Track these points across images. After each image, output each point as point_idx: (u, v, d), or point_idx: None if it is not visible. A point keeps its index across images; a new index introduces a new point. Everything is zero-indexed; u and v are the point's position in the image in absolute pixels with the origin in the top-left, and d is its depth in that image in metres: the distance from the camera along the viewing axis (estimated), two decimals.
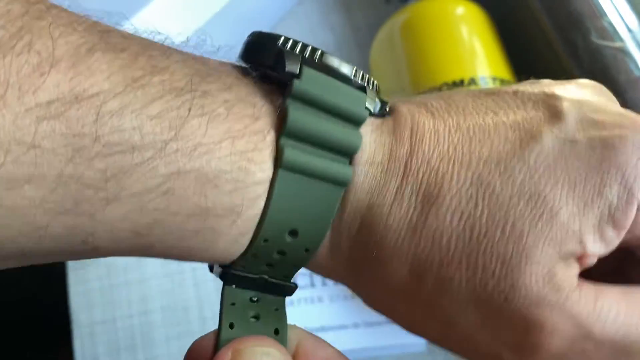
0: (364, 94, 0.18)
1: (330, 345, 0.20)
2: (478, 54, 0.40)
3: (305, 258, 0.19)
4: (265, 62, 0.18)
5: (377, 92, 0.19)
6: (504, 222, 0.17)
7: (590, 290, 0.17)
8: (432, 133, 0.18)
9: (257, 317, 0.19)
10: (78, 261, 0.42)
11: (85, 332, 0.41)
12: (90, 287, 0.43)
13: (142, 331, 0.40)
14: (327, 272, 0.20)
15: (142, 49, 0.16)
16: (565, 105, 0.19)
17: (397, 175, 0.18)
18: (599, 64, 0.36)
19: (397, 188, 0.18)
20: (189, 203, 0.16)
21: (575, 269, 0.17)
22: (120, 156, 0.15)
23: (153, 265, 0.43)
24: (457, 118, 0.19)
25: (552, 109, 0.19)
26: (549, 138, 0.18)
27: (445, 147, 0.18)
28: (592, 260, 0.18)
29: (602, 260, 0.18)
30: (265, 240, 0.18)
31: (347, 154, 0.18)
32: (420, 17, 0.42)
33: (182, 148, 0.16)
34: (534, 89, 0.19)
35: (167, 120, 0.16)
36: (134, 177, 0.15)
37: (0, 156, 0.14)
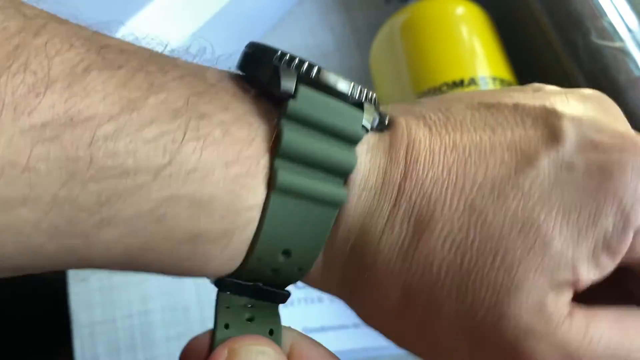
0: (360, 113, 0.18)
1: (323, 346, 0.20)
2: (478, 54, 0.40)
3: (298, 275, 0.19)
4: (261, 79, 0.18)
5: (376, 105, 0.19)
6: (495, 251, 0.17)
7: (582, 317, 0.17)
8: (428, 153, 0.18)
9: (251, 319, 0.19)
10: None
11: (85, 332, 0.41)
12: (90, 287, 0.43)
13: (142, 331, 0.40)
14: (321, 287, 0.20)
15: (140, 64, 0.16)
16: (565, 124, 0.18)
17: (390, 198, 0.18)
18: (599, 64, 0.36)
19: (390, 212, 0.18)
20: (181, 228, 0.16)
21: (567, 296, 0.17)
22: (114, 180, 0.15)
23: None
24: (454, 135, 0.18)
25: (551, 128, 0.18)
26: (546, 163, 0.17)
27: (440, 169, 0.18)
28: (586, 285, 0.17)
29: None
30: (259, 259, 0.18)
31: (342, 174, 0.18)
32: (420, 17, 0.42)
33: (175, 173, 0.16)
34: (535, 102, 0.19)
35: (162, 144, 0.15)
36: (127, 202, 0.15)
37: None
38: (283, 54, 0.18)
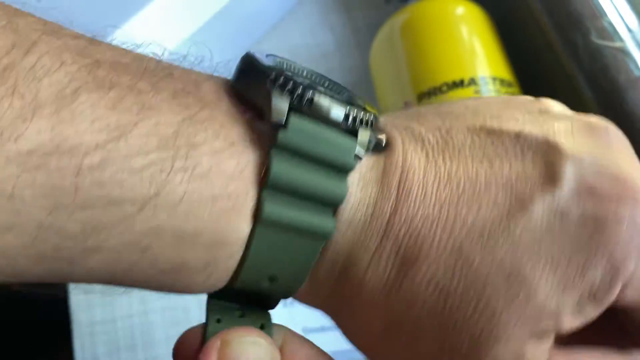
0: (353, 141, 0.17)
1: (314, 344, 0.20)
2: (478, 54, 0.40)
3: (284, 296, 0.19)
4: (255, 102, 0.17)
5: (374, 125, 0.18)
6: (478, 298, 0.17)
7: None
8: (420, 187, 0.18)
9: (243, 315, 0.19)
10: None
11: (85, 332, 0.41)
12: (90, 287, 0.43)
13: (142, 331, 0.40)
14: (307, 304, 0.20)
15: (132, 81, 0.16)
16: (565, 165, 0.17)
17: (379, 232, 0.18)
18: (599, 64, 0.36)
19: (377, 247, 0.18)
20: (165, 259, 0.16)
21: (547, 344, 0.17)
22: (100, 210, 0.15)
23: None
24: (450, 165, 0.18)
25: (550, 168, 0.17)
26: (539, 209, 0.17)
27: (431, 206, 0.17)
28: (568, 332, 0.17)
29: None
30: (243, 283, 0.18)
31: (331, 205, 0.18)
32: (420, 17, 0.42)
33: (161, 205, 0.15)
34: (538, 131, 0.18)
35: (150, 173, 0.15)
36: (112, 232, 0.15)
37: None
38: (277, 76, 0.17)
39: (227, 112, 0.17)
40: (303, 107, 0.17)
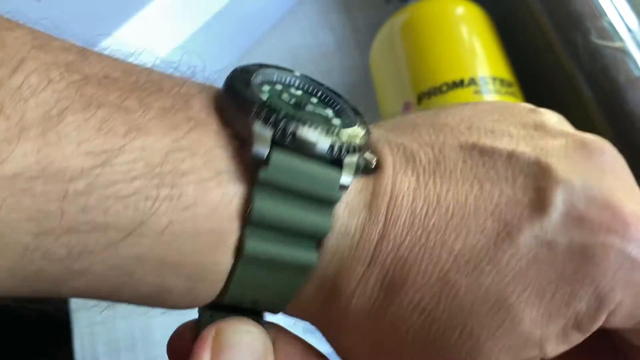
0: (338, 174, 0.17)
1: (307, 342, 0.20)
2: (478, 54, 0.40)
3: (270, 312, 0.19)
4: (238, 132, 0.17)
5: (363, 149, 0.18)
6: (463, 326, 0.17)
7: None
8: (409, 213, 0.18)
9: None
10: None
11: (85, 332, 0.41)
12: None
13: (142, 331, 0.40)
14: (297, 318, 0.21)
15: (120, 98, 0.16)
16: (555, 193, 0.17)
17: (365, 259, 0.18)
18: (599, 64, 0.36)
19: (363, 273, 0.18)
20: (149, 284, 0.16)
21: None
22: (86, 235, 0.15)
23: None
24: (440, 188, 0.18)
25: (540, 195, 0.17)
26: (527, 238, 0.17)
27: (419, 233, 0.17)
28: (552, 356, 0.17)
29: None
30: (228, 302, 0.18)
31: (315, 238, 0.18)
32: (420, 17, 0.42)
33: (146, 234, 0.15)
34: (532, 152, 0.18)
35: (134, 201, 0.15)
36: (98, 257, 0.15)
37: None
38: (260, 109, 0.17)
39: (217, 135, 0.17)
40: (286, 141, 0.16)
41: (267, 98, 0.18)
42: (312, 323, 0.20)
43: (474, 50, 0.40)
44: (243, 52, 0.50)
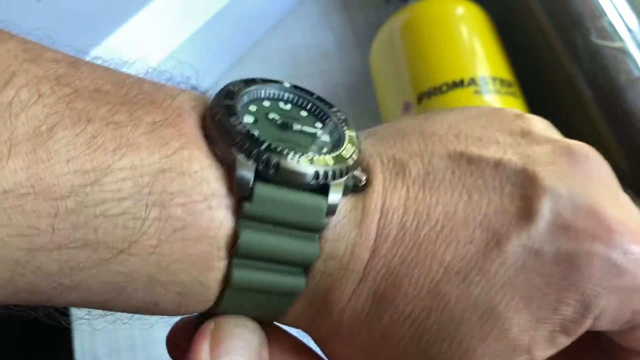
0: (323, 202, 0.17)
1: (298, 339, 0.20)
2: (478, 54, 0.40)
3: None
4: (223, 160, 0.17)
5: (351, 169, 0.18)
6: (453, 335, 0.17)
7: None
8: (400, 228, 0.18)
9: None
10: None
11: (85, 332, 0.40)
12: None
13: (142, 331, 0.40)
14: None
15: (110, 112, 0.16)
16: (541, 201, 0.17)
17: (356, 277, 0.18)
18: (599, 64, 0.36)
19: (354, 291, 0.18)
20: (139, 298, 0.17)
21: None
22: (77, 251, 0.15)
23: None
24: (430, 199, 0.18)
25: (527, 204, 0.17)
26: (515, 247, 0.17)
27: (410, 246, 0.18)
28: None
29: None
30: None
31: (302, 265, 0.18)
32: (420, 17, 0.42)
33: (135, 253, 0.16)
34: (518, 161, 0.18)
35: (123, 221, 0.15)
36: (88, 273, 0.15)
37: None
38: (243, 142, 0.17)
39: (207, 154, 0.17)
40: (269, 172, 0.17)
41: (253, 122, 0.18)
42: (305, 332, 0.20)
43: (474, 50, 0.40)
44: (243, 52, 0.50)
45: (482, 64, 0.39)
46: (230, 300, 0.18)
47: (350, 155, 0.18)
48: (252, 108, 0.18)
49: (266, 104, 0.19)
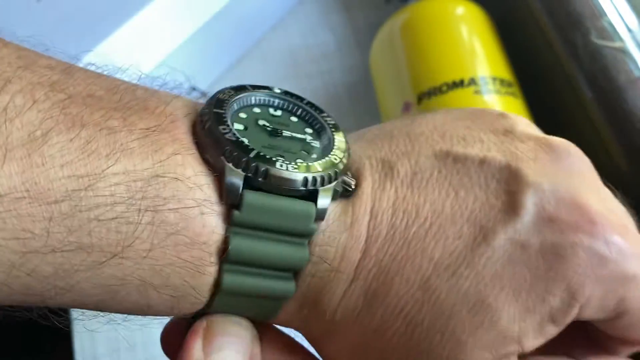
0: (312, 208, 0.18)
1: (291, 337, 0.21)
2: (478, 54, 0.40)
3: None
4: (212, 167, 0.17)
5: (338, 175, 0.18)
6: (445, 327, 0.18)
7: None
8: (389, 228, 0.18)
9: None
10: None
11: (85, 332, 0.41)
12: None
13: (142, 331, 0.40)
14: None
15: (104, 117, 0.16)
16: (526, 195, 0.18)
17: (347, 278, 0.18)
18: (598, 64, 0.36)
19: (345, 291, 0.18)
20: (132, 301, 0.17)
21: None
22: (71, 254, 0.15)
23: None
24: (419, 198, 0.18)
25: (512, 198, 0.18)
26: (501, 240, 0.18)
27: (400, 245, 0.18)
28: (530, 350, 0.18)
29: None
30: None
31: (292, 270, 0.18)
32: (420, 17, 0.42)
33: (128, 257, 0.16)
34: (502, 157, 0.19)
35: (116, 225, 0.15)
36: (83, 276, 0.16)
37: None
38: (232, 151, 0.17)
39: (199, 162, 0.17)
40: (258, 180, 0.17)
41: (243, 129, 0.18)
42: (299, 332, 0.21)
43: (474, 50, 0.40)
44: (243, 52, 0.50)
45: (482, 64, 0.39)
46: (221, 303, 0.18)
47: (339, 161, 0.19)
48: (242, 115, 0.19)
49: (256, 110, 0.19)
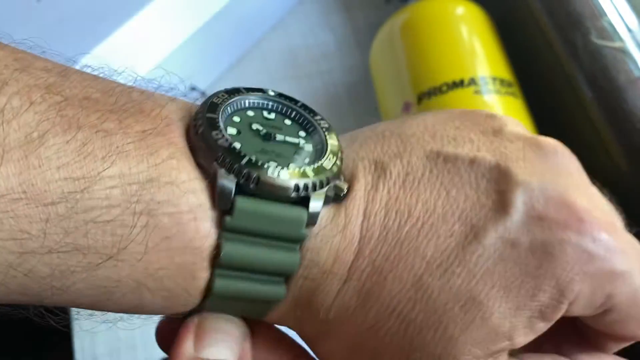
0: (303, 213, 0.18)
1: (284, 332, 0.21)
2: (478, 54, 0.40)
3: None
4: (205, 172, 0.17)
5: (331, 178, 0.18)
6: (437, 325, 0.18)
7: None
8: (382, 228, 0.18)
9: None
10: None
11: (85, 332, 0.41)
12: None
13: (142, 331, 0.40)
14: None
15: (100, 120, 0.16)
16: (515, 194, 0.18)
17: (340, 279, 0.18)
18: (598, 64, 0.36)
19: (338, 291, 0.19)
20: (127, 301, 0.17)
21: (503, 358, 0.19)
22: (68, 256, 0.15)
23: None
24: (411, 198, 0.19)
25: (502, 197, 0.18)
26: (492, 239, 0.18)
27: (392, 245, 0.18)
28: (521, 345, 0.18)
29: None
30: None
31: (283, 274, 0.18)
32: (420, 17, 0.42)
33: (123, 259, 0.16)
34: (491, 157, 0.19)
35: (111, 228, 0.16)
36: (79, 277, 0.16)
37: None
38: (224, 157, 0.17)
39: (194, 166, 0.17)
40: (250, 186, 0.17)
41: (236, 134, 0.18)
42: (293, 331, 0.21)
43: (474, 50, 0.40)
44: (243, 52, 0.50)
45: (482, 64, 0.39)
46: (212, 305, 0.18)
47: (332, 166, 0.19)
48: (236, 119, 0.19)
49: (250, 113, 0.19)
